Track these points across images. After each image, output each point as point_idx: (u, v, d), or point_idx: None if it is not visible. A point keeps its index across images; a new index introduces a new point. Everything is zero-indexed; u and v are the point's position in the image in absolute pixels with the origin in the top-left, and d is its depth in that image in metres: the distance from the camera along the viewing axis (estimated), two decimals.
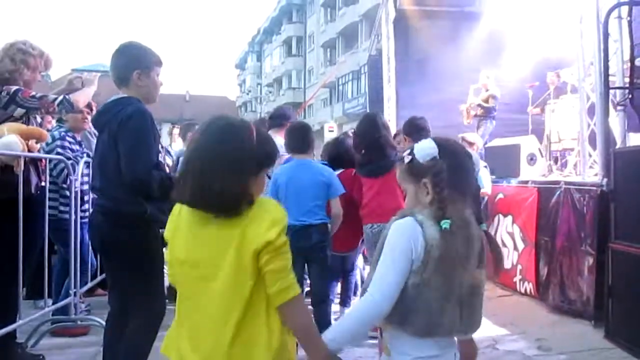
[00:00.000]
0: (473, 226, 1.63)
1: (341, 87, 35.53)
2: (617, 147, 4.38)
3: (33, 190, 3.42)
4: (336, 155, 4.33)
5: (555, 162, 7.75)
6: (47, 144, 4.24)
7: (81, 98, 3.54)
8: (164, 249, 2.27)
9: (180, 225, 1.66)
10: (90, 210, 3.89)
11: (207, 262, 1.58)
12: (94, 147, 3.43)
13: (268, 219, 1.55)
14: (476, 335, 1.84)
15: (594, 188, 4.38)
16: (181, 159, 4.57)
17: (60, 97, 3.46)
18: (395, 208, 3.33)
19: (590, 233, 4.38)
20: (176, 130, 8.42)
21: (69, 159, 4.15)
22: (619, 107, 4.44)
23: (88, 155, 4.23)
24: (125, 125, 2.52)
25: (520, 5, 8.62)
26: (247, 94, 61.35)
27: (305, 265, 3.64)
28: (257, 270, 1.55)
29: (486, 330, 4.29)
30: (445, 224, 1.55)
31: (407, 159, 1.68)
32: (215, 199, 1.54)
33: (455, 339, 1.71)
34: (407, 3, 10.12)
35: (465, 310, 1.60)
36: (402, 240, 1.58)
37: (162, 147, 2.73)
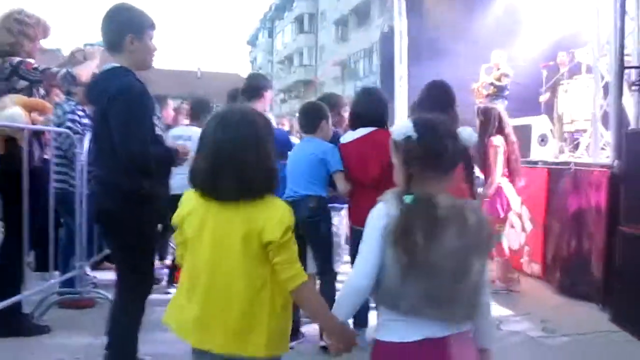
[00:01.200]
0: (446, 209, 1.62)
1: (353, 65, 35.23)
2: (630, 128, 4.28)
3: (36, 163, 3.42)
4: (360, 113, 3.61)
5: (568, 143, 7.64)
6: (58, 117, 4.24)
7: (84, 71, 3.52)
8: (159, 226, 2.30)
9: (195, 207, 1.79)
10: None
11: (221, 243, 1.74)
12: None
13: (276, 217, 1.74)
14: None
15: (605, 170, 4.30)
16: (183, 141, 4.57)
17: (64, 70, 3.44)
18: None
19: (599, 215, 4.31)
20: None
21: (76, 132, 4.14)
22: (633, 87, 4.33)
23: None
24: (115, 101, 2.43)
25: None
26: (259, 71, 61.13)
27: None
28: (264, 257, 1.73)
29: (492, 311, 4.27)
30: (408, 198, 1.63)
31: (392, 134, 1.78)
32: (262, 183, 1.75)
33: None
34: None
35: (445, 295, 1.61)
36: (372, 222, 1.70)
37: (158, 118, 2.66)
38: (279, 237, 1.71)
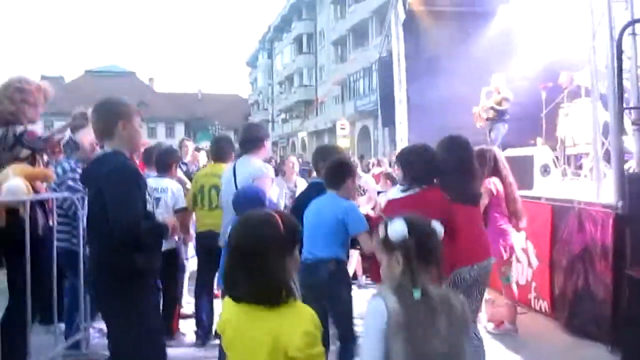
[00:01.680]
0: (437, 298, 1.83)
1: (353, 84, 35.34)
2: (632, 171, 4.26)
3: (40, 232, 3.43)
4: (417, 169, 3.42)
5: (569, 164, 7.62)
6: (58, 176, 4.24)
7: (86, 137, 3.55)
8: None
9: (230, 314, 1.85)
10: None
11: (248, 353, 1.78)
12: None
13: (301, 327, 1.73)
14: None
15: (609, 210, 4.28)
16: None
17: (66, 138, 3.47)
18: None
19: (605, 255, 4.27)
20: (190, 144, 8.16)
21: (78, 191, 4.14)
22: (634, 126, 4.32)
23: None
24: (108, 182, 2.60)
25: (533, 5, 8.48)
26: (259, 95, 61.37)
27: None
28: None
29: (501, 356, 4.22)
30: (417, 292, 1.81)
31: (382, 234, 1.95)
32: (274, 290, 1.75)
33: None
34: (416, 4, 10.05)
35: None
36: (371, 320, 1.84)
37: (149, 195, 2.81)
38: (304, 351, 1.71)
